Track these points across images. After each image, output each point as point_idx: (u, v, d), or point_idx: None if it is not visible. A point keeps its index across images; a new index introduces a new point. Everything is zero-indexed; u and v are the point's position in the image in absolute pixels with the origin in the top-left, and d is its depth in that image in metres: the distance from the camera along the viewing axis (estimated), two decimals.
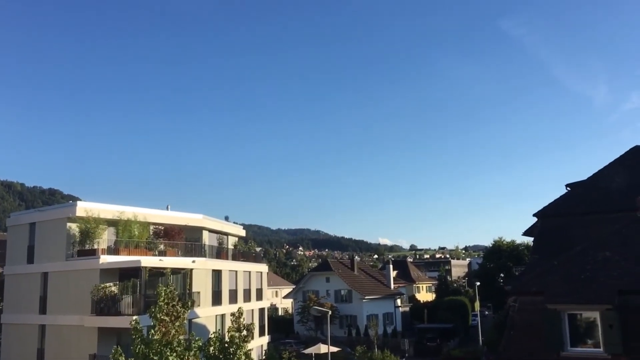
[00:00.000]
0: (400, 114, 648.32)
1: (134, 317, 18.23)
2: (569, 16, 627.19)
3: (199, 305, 37.08)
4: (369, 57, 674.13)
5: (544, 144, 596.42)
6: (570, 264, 18.76)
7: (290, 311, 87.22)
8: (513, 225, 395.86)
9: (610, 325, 16.44)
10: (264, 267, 53.36)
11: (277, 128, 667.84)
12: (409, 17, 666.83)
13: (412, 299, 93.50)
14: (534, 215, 30.55)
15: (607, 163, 31.22)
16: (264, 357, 41.56)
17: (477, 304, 67.00)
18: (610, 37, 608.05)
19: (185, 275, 35.89)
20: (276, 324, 71.29)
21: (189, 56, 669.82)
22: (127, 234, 34.57)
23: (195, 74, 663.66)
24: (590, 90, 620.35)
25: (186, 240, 39.63)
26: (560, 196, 31.28)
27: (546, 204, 30.73)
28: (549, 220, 29.65)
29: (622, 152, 31.51)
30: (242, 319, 19.64)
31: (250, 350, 20.15)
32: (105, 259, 32.39)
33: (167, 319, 17.17)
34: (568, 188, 31.94)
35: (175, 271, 35.26)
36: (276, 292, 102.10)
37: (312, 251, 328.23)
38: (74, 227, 33.98)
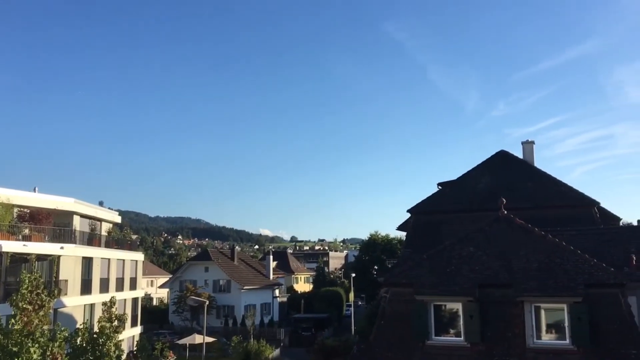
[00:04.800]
0: (285, 108, 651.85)
1: None
2: (447, 25, 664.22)
3: (66, 294, 35.19)
4: (255, 51, 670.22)
5: (419, 143, 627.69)
6: (438, 258, 19.97)
7: (165, 301, 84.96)
8: (388, 220, 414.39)
9: (470, 316, 17.75)
10: (139, 256, 51.83)
11: (155, 103, 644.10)
12: (298, 14, 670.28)
13: (291, 290, 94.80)
14: (408, 211, 32.19)
15: (474, 165, 33.64)
16: (135, 348, 40.26)
17: (351, 295, 69.37)
18: (482, 47, 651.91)
19: (52, 262, 34.00)
20: (150, 314, 69.19)
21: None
22: None
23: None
24: (463, 96, 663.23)
25: (55, 225, 37.38)
26: (432, 194, 33.21)
27: (419, 200, 32.52)
28: (420, 216, 31.38)
29: (488, 156, 34.09)
30: (113, 309, 18.89)
31: (121, 341, 19.41)
32: None
33: (29, 307, 16.04)
34: (439, 187, 34.00)
35: (41, 257, 33.27)
36: (152, 281, 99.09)
37: (192, 240, 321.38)
38: None
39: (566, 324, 16.88)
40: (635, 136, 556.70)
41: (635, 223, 62.29)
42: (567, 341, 16.74)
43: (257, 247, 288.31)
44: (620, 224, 34.04)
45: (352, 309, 66.63)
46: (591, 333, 16.41)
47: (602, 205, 29.56)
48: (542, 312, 17.52)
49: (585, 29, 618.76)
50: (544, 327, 17.49)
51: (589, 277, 17.37)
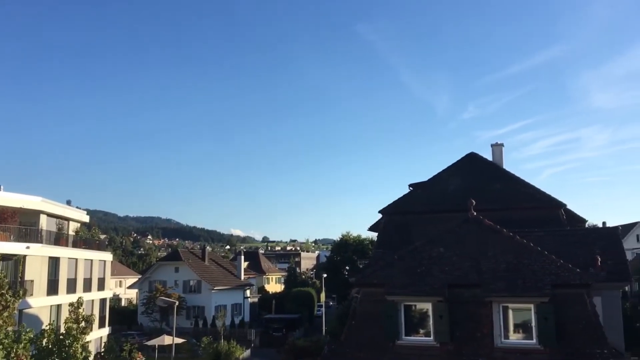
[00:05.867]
0: (256, 109, 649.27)
1: None
2: (418, 28, 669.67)
3: (32, 295, 34.47)
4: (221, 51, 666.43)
5: (391, 144, 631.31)
6: (409, 258, 20.13)
7: (134, 302, 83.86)
8: (360, 221, 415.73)
9: (440, 316, 17.94)
10: (107, 256, 51.16)
11: (123, 101, 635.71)
12: (270, 15, 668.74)
13: (262, 290, 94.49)
14: (379, 211, 32.36)
15: (445, 167, 34.00)
16: (103, 350, 39.71)
17: (322, 295, 69.42)
18: (452, 51, 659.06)
19: (17, 262, 33.31)
20: (119, 315, 68.29)
21: None
22: None
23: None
24: (434, 98, 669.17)
25: (21, 224, 36.62)
26: (404, 195, 33.46)
27: (391, 201, 32.74)
28: (392, 217, 31.59)
29: (459, 158, 34.49)
30: (81, 310, 18.61)
31: (88, 342, 19.13)
32: None
33: None
34: (410, 188, 34.28)
35: (6, 257, 32.59)
36: (120, 281, 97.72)
37: (162, 240, 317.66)
38: None
39: (533, 324, 17.18)
40: (600, 140, 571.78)
41: (600, 225, 63.84)
42: (534, 341, 17.04)
43: (228, 247, 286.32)
44: (586, 225, 34.82)
45: (323, 309, 66.78)
46: (557, 333, 16.73)
47: (569, 207, 30.19)
48: (510, 312, 17.80)
49: (553, 34, 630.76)
50: (511, 327, 17.77)
51: (556, 277, 17.71)
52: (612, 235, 24.17)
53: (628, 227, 77.58)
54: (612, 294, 21.44)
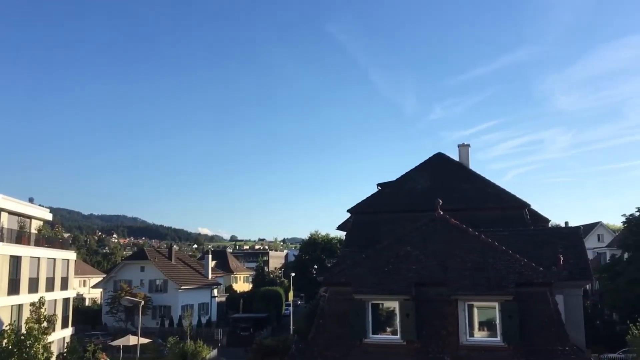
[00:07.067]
0: (224, 106, 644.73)
1: None
2: (386, 28, 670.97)
3: None
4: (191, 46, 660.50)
5: (360, 143, 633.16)
6: (377, 257, 20.27)
7: (99, 302, 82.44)
8: (329, 220, 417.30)
9: (407, 314, 18.10)
10: (71, 255, 50.12)
11: (86, 101, 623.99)
12: (238, 11, 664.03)
13: (230, 289, 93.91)
14: (348, 211, 32.49)
15: (413, 166, 34.31)
16: (65, 350, 38.95)
17: (291, 294, 69.41)
18: (420, 52, 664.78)
19: None
20: (82, 315, 67.01)
21: None
22: None
23: None
24: (402, 98, 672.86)
25: None
26: (372, 194, 33.65)
27: (359, 200, 32.89)
28: (360, 216, 31.75)
29: (426, 158, 34.85)
30: (43, 310, 18.21)
31: (50, 343, 18.72)
32: None
33: None
34: (379, 187, 34.51)
35: None
36: (84, 281, 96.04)
37: (128, 239, 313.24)
38: None
39: (497, 322, 17.48)
40: (563, 141, 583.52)
41: (563, 225, 65.45)
42: (498, 338, 17.34)
43: (195, 246, 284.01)
44: (549, 225, 35.54)
45: (291, 308, 66.71)
46: (521, 330, 17.06)
47: (533, 207, 30.79)
48: (475, 310, 18.08)
49: (518, 37, 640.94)
50: (476, 325, 18.05)
51: (520, 276, 18.05)
52: (574, 235, 24.76)
53: (589, 227, 79.54)
54: (573, 292, 21.97)
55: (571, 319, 20.84)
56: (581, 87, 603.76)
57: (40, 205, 49.13)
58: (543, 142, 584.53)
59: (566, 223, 69.34)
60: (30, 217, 43.84)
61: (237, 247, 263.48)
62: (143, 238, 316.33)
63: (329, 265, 68.15)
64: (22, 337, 17.18)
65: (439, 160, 34.64)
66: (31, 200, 47.42)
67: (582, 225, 46.59)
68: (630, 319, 34.06)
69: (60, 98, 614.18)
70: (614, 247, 62.59)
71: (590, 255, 50.50)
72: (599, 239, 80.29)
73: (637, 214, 48.28)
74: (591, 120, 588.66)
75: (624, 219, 50.24)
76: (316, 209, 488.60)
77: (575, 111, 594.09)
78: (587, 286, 48.00)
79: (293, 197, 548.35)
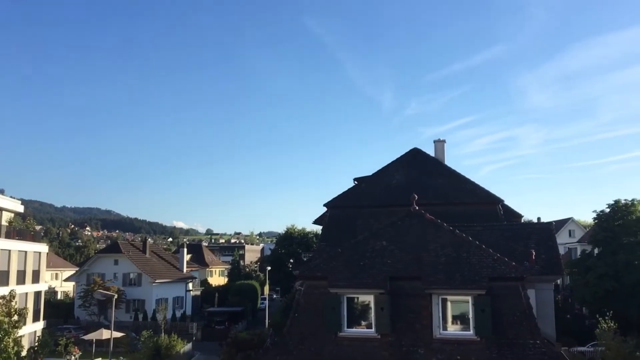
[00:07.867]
0: (199, 98, 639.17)
1: None
2: (362, 23, 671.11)
3: None
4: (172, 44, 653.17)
5: (337, 138, 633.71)
6: (352, 251, 20.36)
7: (71, 295, 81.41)
8: (305, 214, 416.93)
9: (381, 308, 18.24)
10: (43, 247, 49.44)
11: (59, 89, 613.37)
12: (213, 5, 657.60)
13: (205, 283, 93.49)
14: (324, 205, 32.59)
15: (389, 161, 34.53)
16: (36, 344, 38.39)
17: (266, 288, 69.38)
18: (396, 48, 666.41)
19: None
20: (54, 308, 66.20)
21: None
22: None
23: None
24: (379, 94, 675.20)
25: None
26: (348, 189, 33.80)
27: (336, 195, 33.00)
28: (337, 210, 31.89)
29: (402, 153, 35.11)
30: (13, 303, 17.92)
31: (21, 337, 18.44)
32: None
33: None
34: (355, 182, 34.66)
35: None
36: (56, 274, 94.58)
37: (101, 232, 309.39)
38: None
39: (470, 316, 17.72)
40: (536, 138, 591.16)
41: (535, 220, 66.60)
42: (471, 332, 17.58)
43: (170, 239, 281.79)
44: (522, 220, 36.14)
45: (267, 302, 66.72)
46: (493, 324, 17.32)
47: (506, 202, 31.27)
48: (449, 304, 18.30)
49: (493, 35, 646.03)
50: (450, 319, 18.27)
51: (493, 270, 18.31)
52: (546, 230, 25.18)
53: (561, 223, 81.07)
54: (545, 286, 22.39)
55: (542, 313, 21.26)
56: (555, 85, 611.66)
57: (11, 197, 48.34)
58: (517, 139, 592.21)
59: (538, 219, 70.71)
60: (0, 209, 43.12)
61: (213, 240, 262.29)
62: (117, 231, 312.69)
63: (305, 259, 68.11)
64: None
65: (415, 155, 34.93)
66: (2, 192, 46.69)
67: (554, 221, 47.38)
68: (600, 313, 34.83)
69: (29, 83, 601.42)
70: (584, 242, 63.87)
71: (561, 250, 51.48)
72: (570, 235, 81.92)
73: (607, 210, 49.31)
74: (564, 117, 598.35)
75: (594, 215, 51.30)
76: (293, 203, 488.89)
77: (549, 108, 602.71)
78: (558, 281, 48.90)
79: (270, 191, 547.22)
